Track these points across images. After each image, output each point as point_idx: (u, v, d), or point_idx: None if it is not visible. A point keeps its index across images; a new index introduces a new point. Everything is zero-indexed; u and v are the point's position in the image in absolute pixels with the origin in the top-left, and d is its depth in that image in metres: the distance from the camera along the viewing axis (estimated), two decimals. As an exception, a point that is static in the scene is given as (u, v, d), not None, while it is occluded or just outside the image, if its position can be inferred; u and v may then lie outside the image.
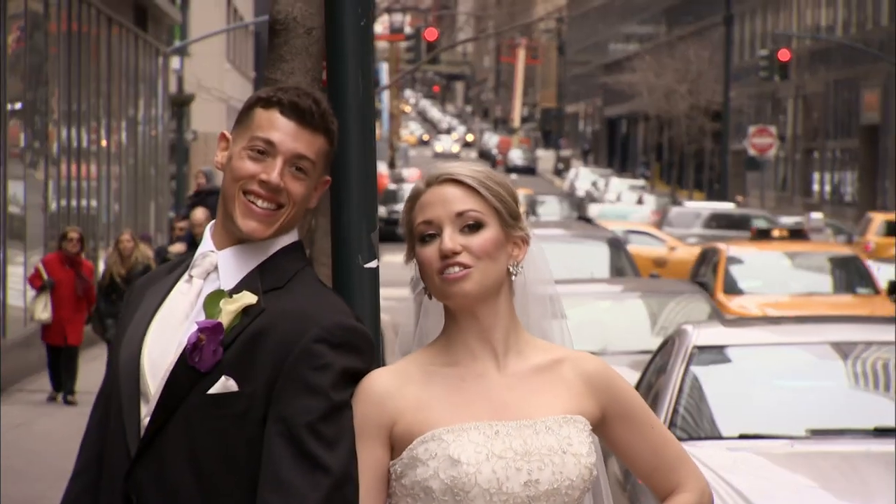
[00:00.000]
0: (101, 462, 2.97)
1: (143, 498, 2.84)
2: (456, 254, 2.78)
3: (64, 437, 14.96)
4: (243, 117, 2.94)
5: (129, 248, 17.02)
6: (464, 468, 2.73)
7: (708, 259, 21.68)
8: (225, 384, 2.82)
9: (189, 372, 2.83)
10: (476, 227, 2.81)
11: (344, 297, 3.05)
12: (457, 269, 2.78)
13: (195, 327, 2.84)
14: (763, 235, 22.71)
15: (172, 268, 3.06)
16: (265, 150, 2.87)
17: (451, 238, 2.79)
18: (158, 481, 2.84)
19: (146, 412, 2.86)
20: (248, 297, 2.86)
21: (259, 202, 2.87)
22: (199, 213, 18.40)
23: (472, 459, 2.74)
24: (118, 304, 16.20)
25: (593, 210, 48.20)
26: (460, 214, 2.82)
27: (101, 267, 19.92)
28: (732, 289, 20.05)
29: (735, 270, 20.67)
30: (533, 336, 2.94)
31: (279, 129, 2.88)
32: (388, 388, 2.83)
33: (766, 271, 20.80)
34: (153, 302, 2.97)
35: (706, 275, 20.74)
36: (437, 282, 2.81)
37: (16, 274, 19.34)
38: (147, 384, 2.88)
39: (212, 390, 2.82)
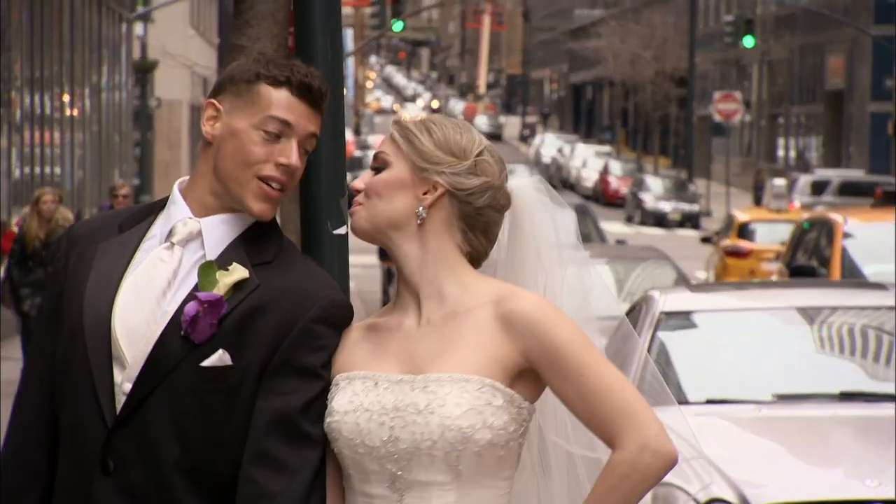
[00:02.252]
0: (50, 422, 2.97)
1: (123, 465, 2.83)
2: (358, 192, 2.89)
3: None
4: (244, 92, 2.89)
5: (50, 209, 15.14)
6: (333, 417, 2.80)
7: (814, 236, 16.53)
8: (221, 357, 2.82)
9: (181, 343, 2.82)
10: (380, 168, 2.89)
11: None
12: (355, 206, 2.89)
13: (183, 297, 2.84)
14: (891, 200, 18.07)
15: (121, 224, 3.00)
16: (280, 132, 2.86)
17: (360, 178, 2.91)
18: (141, 450, 2.83)
19: (123, 379, 2.84)
20: (241, 272, 2.85)
21: (274, 184, 2.86)
22: None
23: (342, 409, 2.79)
24: (36, 272, 14.98)
25: None
26: (375, 157, 2.91)
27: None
28: (854, 277, 14.65)
29: (854, 250, 15.30)
30: (486, 277, 2.92)
31: (293, 110, 2.87)
32: (344, 341, 2.92)
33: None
34: (116, 263, 2.92)
35: (811, 257, 16.15)
36: None
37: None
38: (121, 350, 2.84)
39: (206, 363, 2.81)
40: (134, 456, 2.83)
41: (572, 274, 2.99)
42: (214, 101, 2.92)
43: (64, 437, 2.93)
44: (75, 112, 28.63)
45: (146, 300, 2.86)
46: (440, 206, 2.86)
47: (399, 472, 2.77)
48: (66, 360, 2.92)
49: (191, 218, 2.91)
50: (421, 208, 2.86)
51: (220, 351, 2.82)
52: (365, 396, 2.79)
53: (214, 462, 2.84)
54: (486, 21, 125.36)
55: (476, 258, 2.92)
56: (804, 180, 42.23)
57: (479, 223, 2.89)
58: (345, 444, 2.80)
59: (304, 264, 2.98)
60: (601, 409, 2.75)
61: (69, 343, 2.91)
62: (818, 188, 40.62)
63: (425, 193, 2.85)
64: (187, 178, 3.02)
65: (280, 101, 2.86)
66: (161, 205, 3.01)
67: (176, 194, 2.95)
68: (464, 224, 2.88)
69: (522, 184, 2.98)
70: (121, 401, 2.84)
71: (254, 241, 2.92)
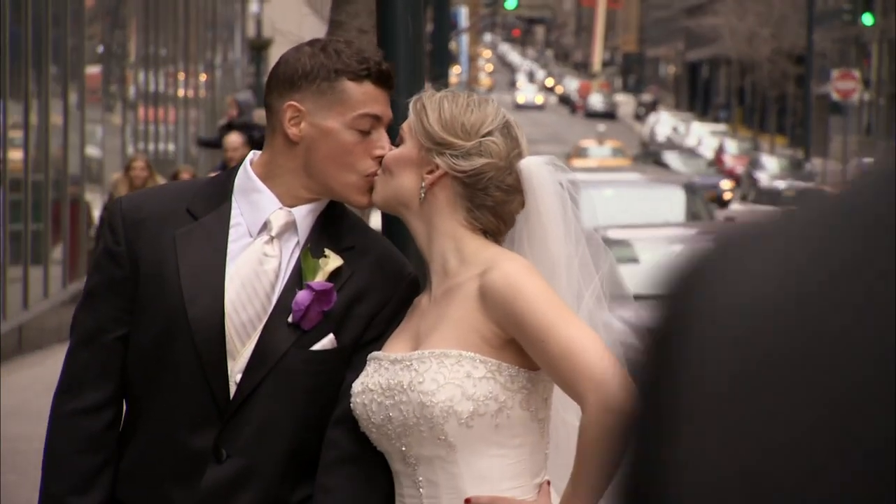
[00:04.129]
0: (118, 404, 3.06)
1: (235, 453, 2.95)
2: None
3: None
4: (326, 90, 2.94)
5: (141, 177, 14.82)
6: (351, 399, 2.93)
7: None
8: (331, 341, 2.95)
9: (288, 330, 2.93)
10: (399, 144, 2.98)
11: (397, 244, 3.19)
12: (375, 179, 3.01)
13: (283, 286, 2.96)
14: None
15: (189, 209, 3.03)
16: (372, 126, 2.96)
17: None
18: (255, 437, 2.96)
19: (234, 370, 2.94)
20: (336, 260, 2.96)
21: (372, 176, 3.00)
22: (235, 137, 15.80)
23: (355, 391, 2.92)
24: None
25: None
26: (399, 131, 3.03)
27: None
28: None
29: None
30: (489, 246, 2.95)
31: (379, 101, 2.97)
32: None
33: None
34: (211, 255, 2.98)
35: None
36: None
37: (95, 217, 19.57)
38: (235, 344, 2.93)
39: (316, 346, 2.95)
40: (247, 443, 2.95)
41: (582, 252, 3.03)
42: (295, 103, 2.96)
43: (156, 426, 3.00)
44: (189, 90, 28.95)
45: (256, 296, 2.95)
46: (442, 185, 2.92)
47: (403, 449, 2.86)
48: (161, 350, 2.98)
49: (281, 209, 2.98)
50: (423, 187, 2.92)
51: (331, 335, 2.94)
52: (370, 378, 2.89)
53: (319, 442, 2.98)
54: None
55: (492, 235, 2.96)
56: None
57: (485, 203, 2.93)
58: (362, 424, 2.91)
59: (380, 243, 3.15)
60: (564, 372, 2.77)
61: (163, 333, 2.97)
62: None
63: (429, 173, 2.91)
64: (254, 159, 3.05)
65: (367, 96, 2.94)
66: (226, 186, 3.05)
67: (258, 182, 3.00)
68: (469, 203, 2.92)
69: (533, 162, 2.98)
70: (233, 390, 2.94)
71: (332, 226, 3.03)
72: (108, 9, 21.53)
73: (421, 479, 2.86)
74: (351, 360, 2.97)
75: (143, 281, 2.97)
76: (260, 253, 2.96)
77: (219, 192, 3.04)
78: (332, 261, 2.95)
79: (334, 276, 2.94)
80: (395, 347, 2.94)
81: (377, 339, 2.98)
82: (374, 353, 2.95)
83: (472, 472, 2.83)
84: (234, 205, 3.01)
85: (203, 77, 30.69)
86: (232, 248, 2.97)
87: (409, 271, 3.09)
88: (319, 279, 2.93)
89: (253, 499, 2.95)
